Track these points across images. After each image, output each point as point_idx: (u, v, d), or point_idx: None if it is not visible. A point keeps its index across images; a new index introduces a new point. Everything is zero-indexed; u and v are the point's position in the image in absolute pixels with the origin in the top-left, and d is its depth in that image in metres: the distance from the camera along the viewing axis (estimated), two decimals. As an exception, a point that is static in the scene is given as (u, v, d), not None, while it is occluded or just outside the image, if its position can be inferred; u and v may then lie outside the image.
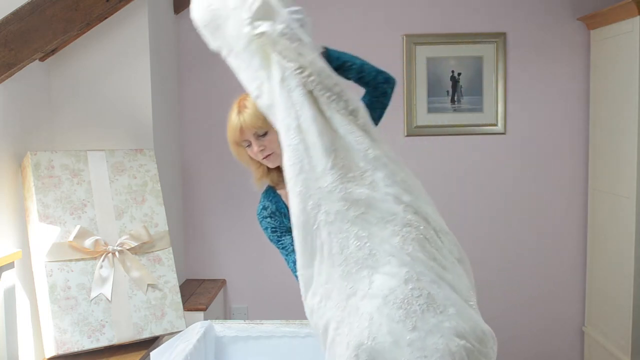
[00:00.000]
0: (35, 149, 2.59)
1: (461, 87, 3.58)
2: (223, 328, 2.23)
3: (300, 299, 1.61)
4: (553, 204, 3.64)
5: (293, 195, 1.55)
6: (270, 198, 1.94)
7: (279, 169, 1.90)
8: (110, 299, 2.44)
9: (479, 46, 3.56)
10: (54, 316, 2.33)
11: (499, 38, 3.55)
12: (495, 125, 3.59)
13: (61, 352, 2.32)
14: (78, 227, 2.44)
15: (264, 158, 1.86)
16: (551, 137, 3.61)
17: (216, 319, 2.90)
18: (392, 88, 1.85)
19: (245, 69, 1.59)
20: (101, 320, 2.41)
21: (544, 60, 3.57)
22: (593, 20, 3.38)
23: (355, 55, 1.79)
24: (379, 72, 1.81)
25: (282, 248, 1.91)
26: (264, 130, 1.81)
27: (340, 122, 1.53)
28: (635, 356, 3.06)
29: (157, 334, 2.51)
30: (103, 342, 2.40)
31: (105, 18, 2.81)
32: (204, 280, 3.59)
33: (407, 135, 3.60)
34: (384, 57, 3.54)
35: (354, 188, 1.51)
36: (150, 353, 1.99)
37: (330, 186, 1.50)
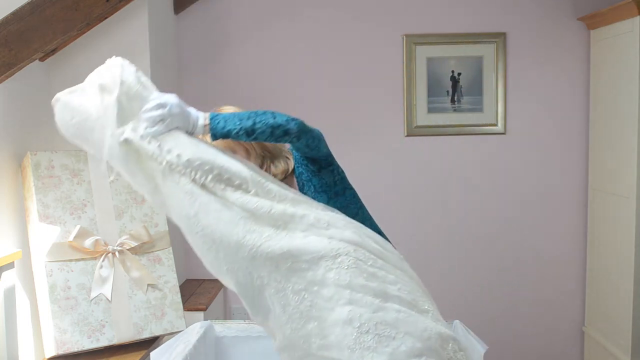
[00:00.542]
0: (35, 149, 2.59)
1: (461, 87, 3.58)
2: (223, 328, 2.23)
3: None
4: (553, 204, 3.64)
5: (223, 275, 1.57)
6: None
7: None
8: (110, 299, 2.44)
9: (479, 46, 3.56)
10: (54, 316, 2.33)
11: (499, 38, 3.55)
12: (496, 125, 3.59)
13: (61, 352, 2.32)
14: (78, 227, 2.44)
15: None
16: (551, 137, 3.61)
17: (216, 319, 2.90)
18: (296, 137, 1.65)
19: (128, 175, 1.59)
20: (101, 320, 2.41)
21: (544, 60, 3.57)
22: (593, 20, 3.38)
23: (252, 111, 1.64)
24: (275, 127, 1.61)
25: None
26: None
27: (234, 197, 1.53)
28: (635, 356, 3.06)
29: (157, 334, 2.52)
30: (103, 342, 2.40)
31: (105, 18, 2.81)
32: (204, 280, 3.58)
33: (407, 135, 3.60)
34: (384, 57, 3.57)
35: (273, 245, 1.50)
36: (150, 353, 2.00)
37: (250, 253, 1.51)
